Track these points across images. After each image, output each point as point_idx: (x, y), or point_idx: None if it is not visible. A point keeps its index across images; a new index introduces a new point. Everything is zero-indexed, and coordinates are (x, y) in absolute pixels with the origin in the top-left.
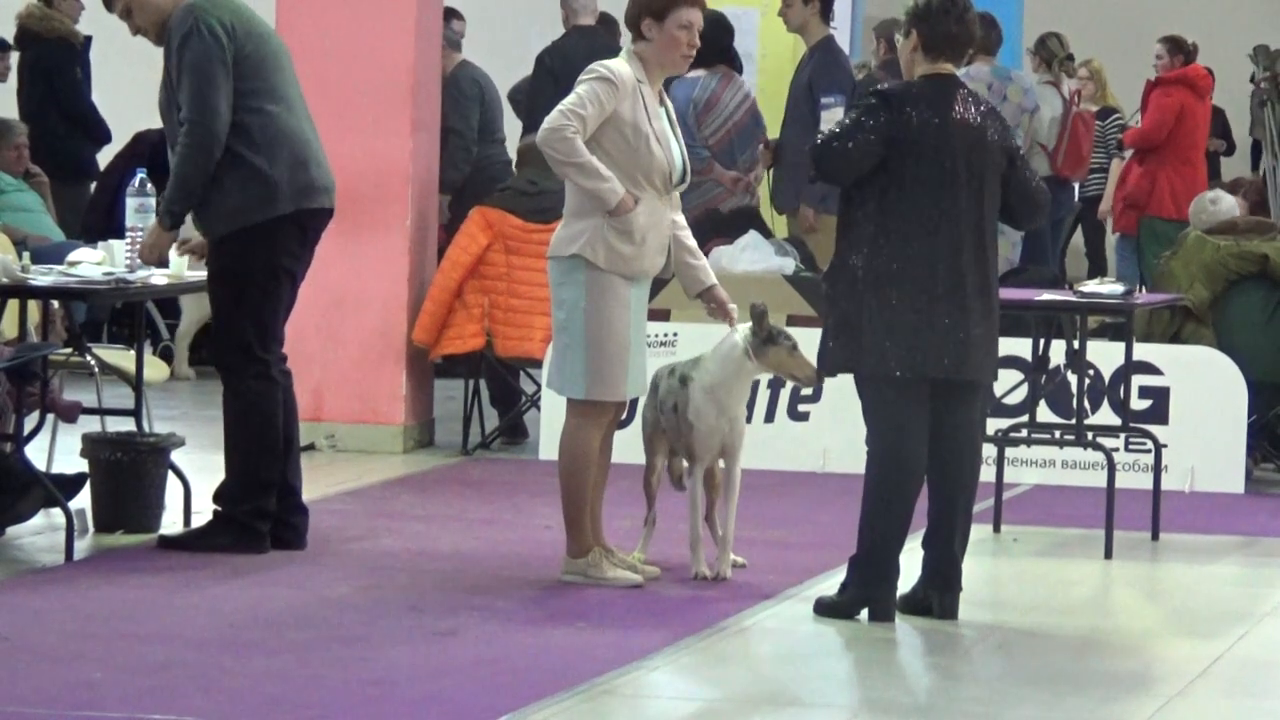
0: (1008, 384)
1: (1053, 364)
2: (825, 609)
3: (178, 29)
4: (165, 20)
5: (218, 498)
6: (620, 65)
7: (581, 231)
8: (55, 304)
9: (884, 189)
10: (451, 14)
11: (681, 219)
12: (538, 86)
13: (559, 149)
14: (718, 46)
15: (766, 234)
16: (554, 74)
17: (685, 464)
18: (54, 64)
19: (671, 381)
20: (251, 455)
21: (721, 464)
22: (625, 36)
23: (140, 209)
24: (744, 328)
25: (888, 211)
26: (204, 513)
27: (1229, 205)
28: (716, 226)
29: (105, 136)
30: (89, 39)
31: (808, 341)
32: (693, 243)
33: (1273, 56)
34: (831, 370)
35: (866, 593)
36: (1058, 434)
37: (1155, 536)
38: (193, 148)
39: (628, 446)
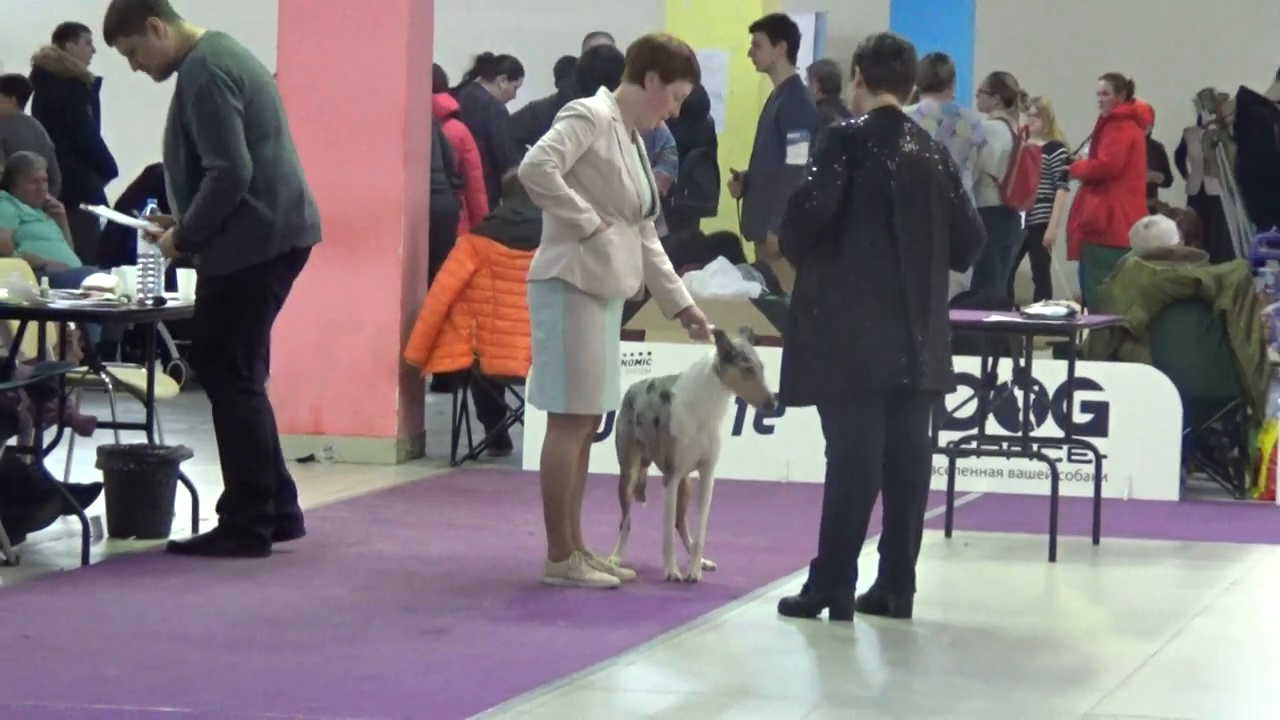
0: (958, 399)
1: (1001, 380)
2: (789, 609)
3: (192, 80)
4: (169, 62)
5: (220, 507)
6: (597, 103)
7: (560, 256)
8: (72, 325)
9: (837, 219)
10: (517, 71)
11: (658, 246)
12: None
13: (539, 183)
14: (594, 76)
15: (739, 259)
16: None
17: (647, 475)
18: (66, 102)
19: (651, 396)
20: (246, 465)
21: (696, 475)
22: None
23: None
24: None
25: (841, 240)
26: (211, 519)
27: (1163, 229)
28: (695, 251)
29: (113, 170)
30: (99, 80)
31: (774, 361)
32: (669, 267)
33: (1217, 100)
34: (796, 401)
35: (827, 593)
36: (1005, 445)
37: (1096, 541)
38: (222, 194)
39: (604, 458)
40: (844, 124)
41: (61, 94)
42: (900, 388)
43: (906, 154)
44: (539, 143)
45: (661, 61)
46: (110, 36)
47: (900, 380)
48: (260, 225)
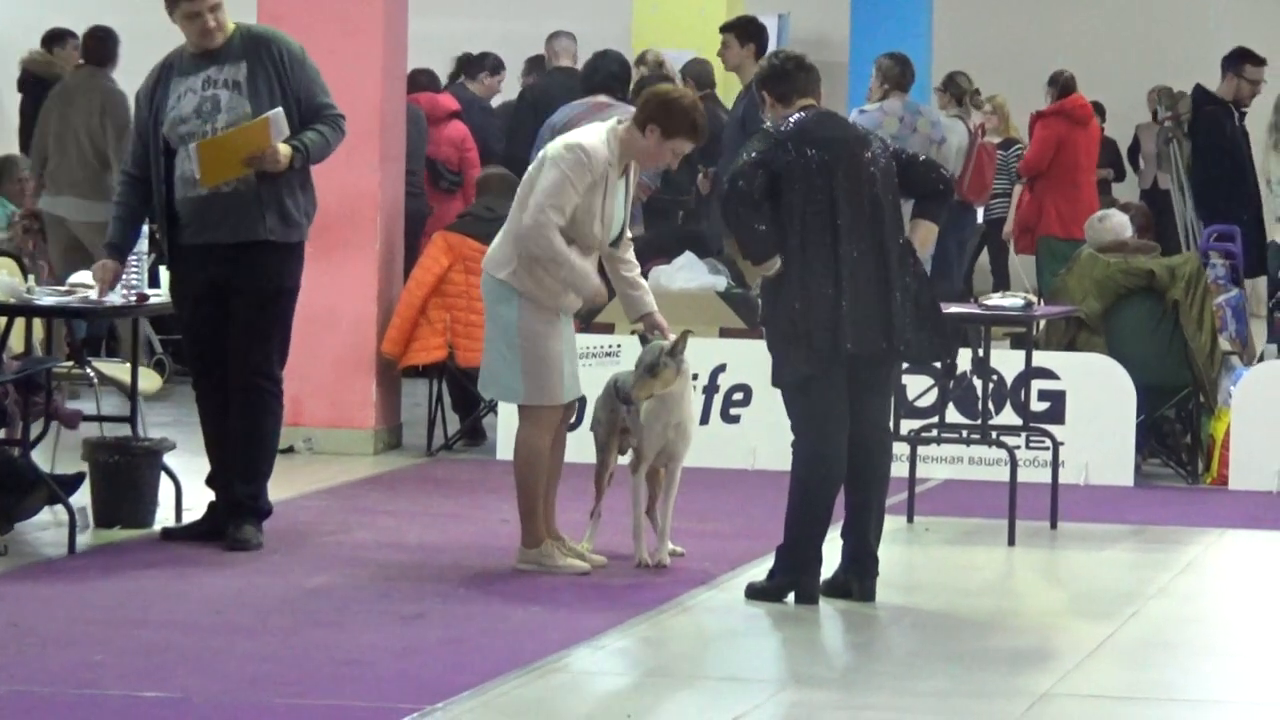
0: (919, 388)
1: (960, 370)
2: (756, 593)
3: (289, 47)
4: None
5: (255, 496)
6: (598, 147)
7: (511, 258)
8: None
9: (784, 211)
10: (499, 66)
11: (629, 256)
12: (519, 119)
13: (540, 247)
14: (600, 76)
15: (705, 254)
16: (535, 107)
17: (623, 462)
18: None
19: None
20: (274, 459)
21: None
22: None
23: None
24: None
25: (790, 230)
26: (194, 510)
27: (1117, 222)
28: (664, 246)
29: None
30: None
31: (742, 351)
32: (635, 275)
33: (1175, 98)
34: (778, 382)
35: (793, 578)
36: (965, 433)
37: (1054, 525)
38: (342, 135)
39: (575, 448)
40: (775, 125)
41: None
42: (869, 356)
43: (837, 146)
44: (538, 201)
45: (664, 118)
46: None
47: (858, 345)
48: (313, 203)
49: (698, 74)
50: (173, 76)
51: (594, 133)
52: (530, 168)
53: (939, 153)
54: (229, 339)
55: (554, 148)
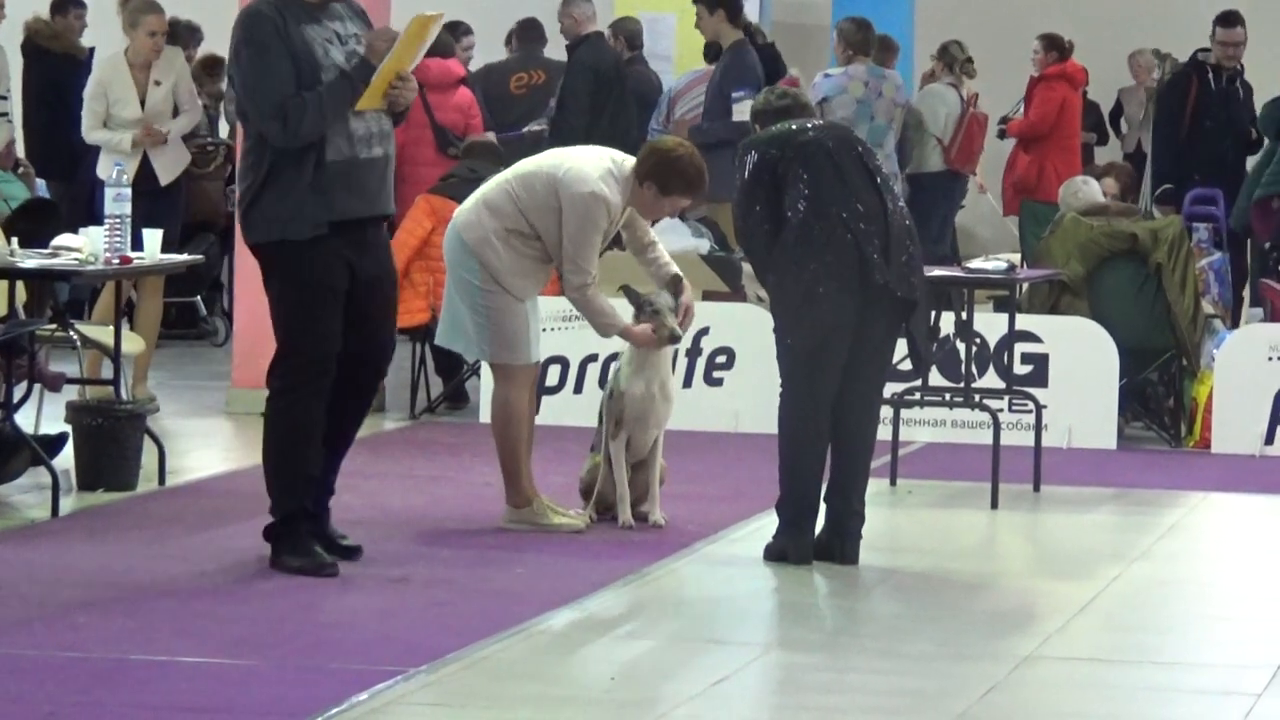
0: (901, 352)
1: (943, 333)
2: (766, 552)
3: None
4: None
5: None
6: (616, 200)
7: (486, 230)
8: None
9: (788, 193)
10: (463, 30)
11: (656, 253)
12: (576, 82)
13: (581, 305)
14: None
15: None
16: (596, 71)
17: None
18: (62, 79)
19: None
20: None
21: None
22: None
23: (118, 198)
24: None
25: (801, 202)
26: (177, 472)
27: (1096, 188)
28: None
29: None
30: (92, 50)
31: (725, 314)
32: (660, 256)
33: (1171, 61)
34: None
35: (787, 536)
36: (948, 396)
37: (1037, 488)
38: None
39: (566, 410)
40: (761, 136)
41: (58, 70)
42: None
43: (815, 139)
44: (577, 261)
45: (661, 176)
46: None
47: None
48: None
49: (630, 33)
50: (296, 25)
51: (611, 182)
52: (554, 160)
53: (904, 115)
54: (371, 327)
55: (577, 192)
